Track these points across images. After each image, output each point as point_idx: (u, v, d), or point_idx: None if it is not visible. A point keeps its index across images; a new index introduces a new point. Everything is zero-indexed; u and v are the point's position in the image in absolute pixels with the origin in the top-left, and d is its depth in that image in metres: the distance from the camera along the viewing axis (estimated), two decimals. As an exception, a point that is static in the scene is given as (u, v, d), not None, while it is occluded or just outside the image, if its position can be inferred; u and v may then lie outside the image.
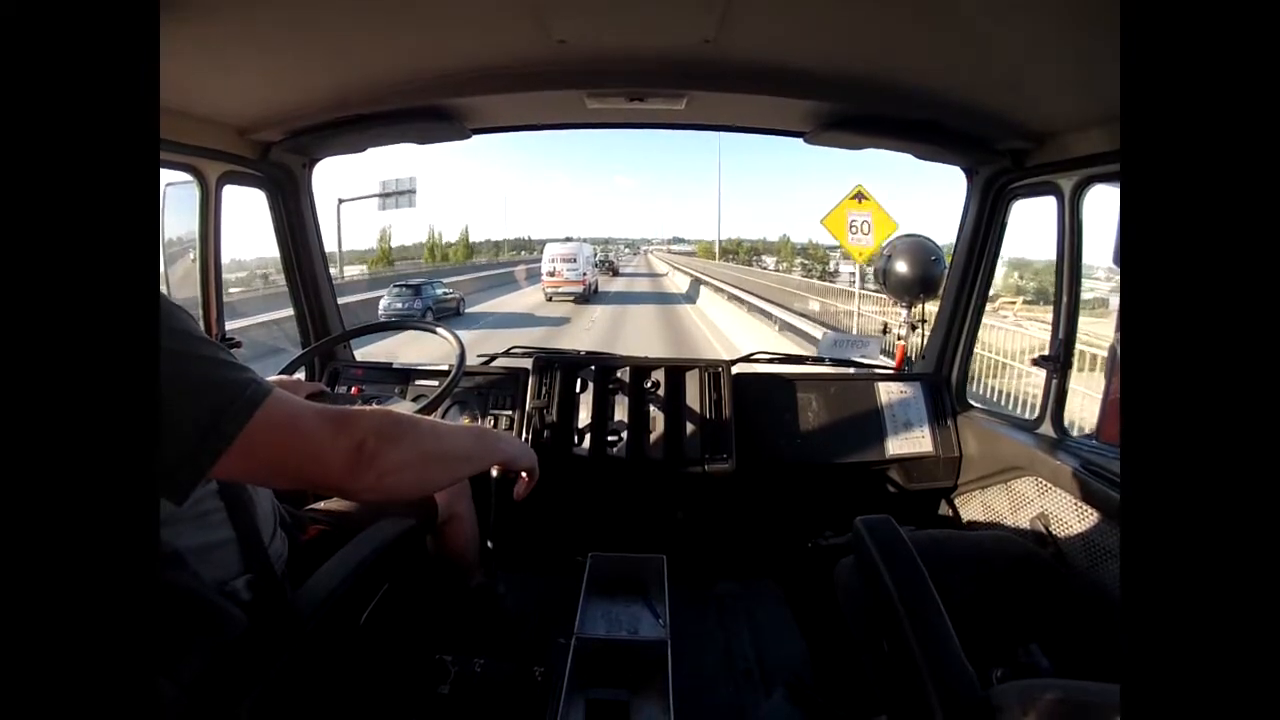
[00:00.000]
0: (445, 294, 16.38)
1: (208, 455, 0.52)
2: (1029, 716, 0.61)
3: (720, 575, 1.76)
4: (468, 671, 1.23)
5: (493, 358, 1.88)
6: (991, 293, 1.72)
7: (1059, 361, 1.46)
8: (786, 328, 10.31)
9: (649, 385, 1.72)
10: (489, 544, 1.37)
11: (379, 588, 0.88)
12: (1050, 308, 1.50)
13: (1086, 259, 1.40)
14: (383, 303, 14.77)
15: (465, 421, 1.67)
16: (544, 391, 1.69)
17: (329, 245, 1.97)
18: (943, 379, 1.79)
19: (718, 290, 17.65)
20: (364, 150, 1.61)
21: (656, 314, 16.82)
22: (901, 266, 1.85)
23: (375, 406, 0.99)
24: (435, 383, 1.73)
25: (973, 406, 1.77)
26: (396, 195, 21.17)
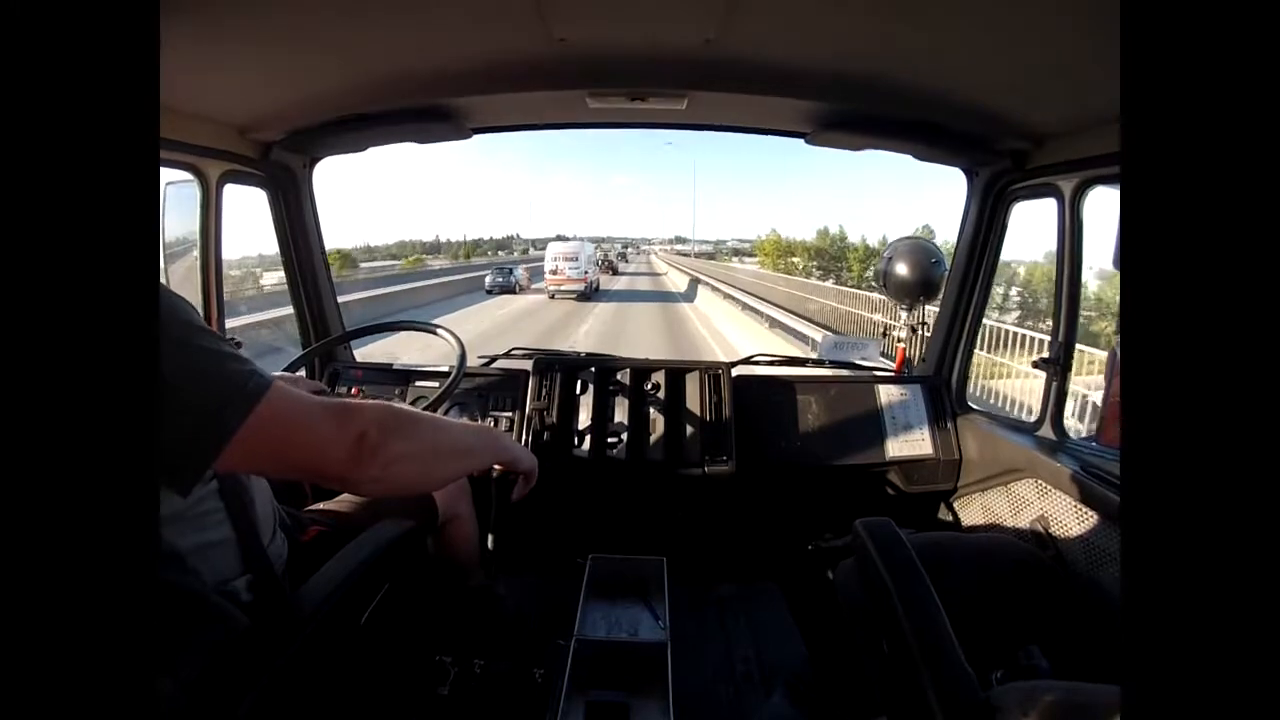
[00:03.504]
0: (521, 274, 25.35)
1: (211, 447, 0.52)
2: (1029, 718, 0.60)
3: (720, 577, 1.76)
4: (467, 673, 1.23)
5: (493, 359, 1.87)
6: None
7: (1058, 364, 1.46)
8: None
9: (649, 387, 1.71)
10: (489, 545, 1.37)
11: (379, 588, 0.88)
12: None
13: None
14: (488, 280, 24.09)
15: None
16: (544, 393, 1.69)
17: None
18: (943, 381, 1.78)
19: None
20: (365, 149, 1.62)
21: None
22: (902, 269, 1.85)
23: (378, 400, 0.99)
24: (435, 384, 1.73)
25: (972, 409, 1.76)
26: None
